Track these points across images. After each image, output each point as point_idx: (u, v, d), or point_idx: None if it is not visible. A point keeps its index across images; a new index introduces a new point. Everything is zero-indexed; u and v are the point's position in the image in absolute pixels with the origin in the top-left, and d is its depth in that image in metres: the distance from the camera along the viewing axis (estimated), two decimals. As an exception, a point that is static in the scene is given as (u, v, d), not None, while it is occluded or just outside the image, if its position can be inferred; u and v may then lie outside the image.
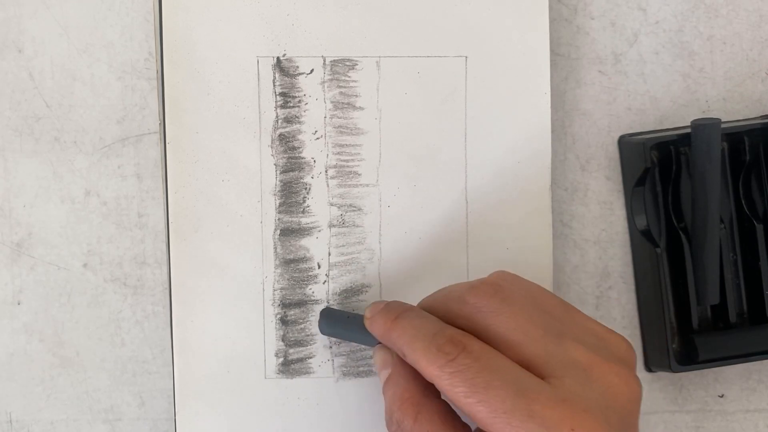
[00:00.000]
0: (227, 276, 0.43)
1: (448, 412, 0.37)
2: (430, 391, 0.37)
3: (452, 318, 0.37)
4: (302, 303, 0.44)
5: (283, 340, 0.43)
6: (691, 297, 0.44)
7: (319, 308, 0.43)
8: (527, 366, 0.35)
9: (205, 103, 0.43)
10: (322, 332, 0.43)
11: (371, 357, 0.42)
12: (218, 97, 0.43)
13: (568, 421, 0.33)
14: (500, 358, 0.35)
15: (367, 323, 0.40)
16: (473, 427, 0.37)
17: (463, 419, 0.37)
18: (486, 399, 0.33)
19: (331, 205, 0.44)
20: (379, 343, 0.40)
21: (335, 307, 0.43)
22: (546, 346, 0.35)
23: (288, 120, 0.43)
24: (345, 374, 0.44)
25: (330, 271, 0.44)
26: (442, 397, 0.38)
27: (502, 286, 0.36)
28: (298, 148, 0.43)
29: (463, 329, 0.36)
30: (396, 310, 0.38)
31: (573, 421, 0.33)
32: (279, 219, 0.43)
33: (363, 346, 0.43)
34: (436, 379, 0.35)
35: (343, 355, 0.44)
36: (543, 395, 0.33)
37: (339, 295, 0.44)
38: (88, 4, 0.43)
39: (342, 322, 0.42)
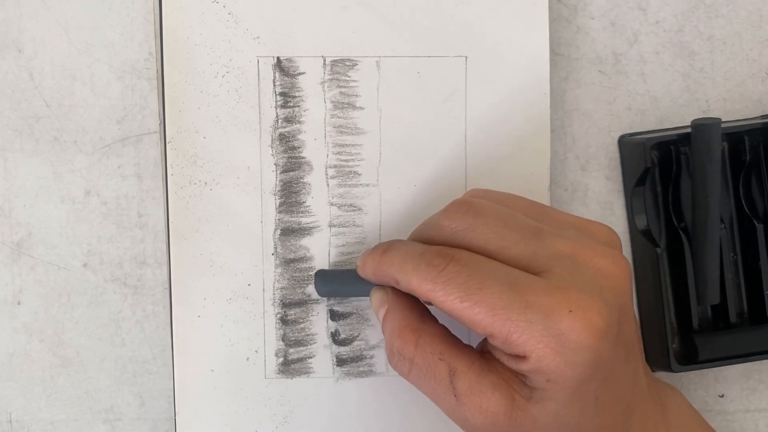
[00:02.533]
0: (227, 276, 0.43)
1: (447, 334, 0.37)
2: (427, 317, 0.38)
3: (435, 244, 0.37)
4: (302, 303, 0.44)
5: (283, 340, 0.43)
6: (691, 297, 0.44)
7: (319, 308, 0.44)
8: (515, 267, 0.35)
9: (205, 103, 0.43)
10: (319, 293, 0.43)
11: (370, 306, 0.43)
12: (218, 97, 0.43)
13: (566, 304, 0.33)
14: (488, 261, 0.35)
15: (359, 270, 0.40)
16: (475, 346, 0.38)
17: (464, 341, 0.38)
18: (482, 299, 0.34)
19: (331, 204, 0.44)
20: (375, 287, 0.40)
21: (328, 268, 0.44)
22: (527, 246, 0.35)
23: (288, 120, 0.43)
24: (345, 374, 0.44)
25: (330, 271, 0.44)
26: (441, 322, 0.38)
27: (471, 202, 0.36)
28: (298, 147, 0.43)
29: None
30: (382, 246, 0.38)
31: (570, 303, 0.33)
32: (279, 219, 0.43)
33: (365, 346, 0.43)
34: (430, 293, 0.35)
35: (344, 355, 0.44)
36: (536, 286, 0.34)
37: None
38: (88, 4, 0.43)
39: (337, 279, 0.42)
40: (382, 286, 0.39)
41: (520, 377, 0.35)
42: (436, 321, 0.38)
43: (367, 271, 0.39)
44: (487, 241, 0.35)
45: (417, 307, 0.38)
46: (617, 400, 0.36)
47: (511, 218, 0.36)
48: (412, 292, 0.36)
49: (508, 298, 0.33)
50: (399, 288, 0.37)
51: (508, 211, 0.36)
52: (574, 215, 0.38)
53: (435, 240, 0.37)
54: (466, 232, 0.36)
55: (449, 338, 0.37)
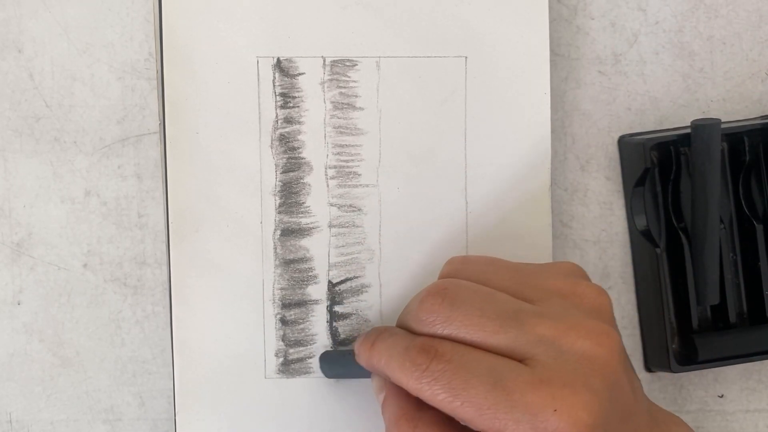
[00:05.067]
0: (227, 276, 0.43)
1: (445, 420, 0.36)
2: (424, 404, 0.37)
3: (418, 334, 0.37)
4: (302, 303, 0.44)
5: (283, 340, 0.43)
6: (691, 297, 0.44)
7: (319, 308, 0.44)
8: (498, 354, 0.35)
9: (205, 103, 0.43)
10: (327, 376, 0.43)
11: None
12: (218, 98, 0.43)
13: (551, 402, 0.33)
14: (472, 352, 0.34)
15: (357, 358, 0.40)
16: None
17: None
18: (468, 399, 0.33)
19: (331, 205, 0.44)
20: None
21: (331, 350, 0.43)
22: (507, 334, 0.35)
23: (288, 120, 0.43)
24: (345, 374, 0.44)
25: (330, 272, 0.44)
26: None
27: (447, 290, 0.36)
28: (298, 148, 0.43)
29: None
30: (371, 337, 0.38)
31: (555, 400, 0.33)
32: (279, 219, 0.43)
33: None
34: (418, 392, 0.35)
35: (343, 355, 0.44)
36: (520, 381, 0.33)
37: (339, 295, 0.44)
38: (88, 4, 0.43)
39: (340, 363, 0.42)
40: None
41: None
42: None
43: (362, 362, 0.39)
44: (467, 334, 0.35)
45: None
46: None
47: (489, 303, 0.36)
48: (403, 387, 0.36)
49: (493, 397, 0.33)
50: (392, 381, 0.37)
51: (486, 293, 0.36)
52: (560, 273, 0.38)
53: (417, 331, 0.37)
54: (445, 325, 0.36)
55: (447, 424, 0.36)
